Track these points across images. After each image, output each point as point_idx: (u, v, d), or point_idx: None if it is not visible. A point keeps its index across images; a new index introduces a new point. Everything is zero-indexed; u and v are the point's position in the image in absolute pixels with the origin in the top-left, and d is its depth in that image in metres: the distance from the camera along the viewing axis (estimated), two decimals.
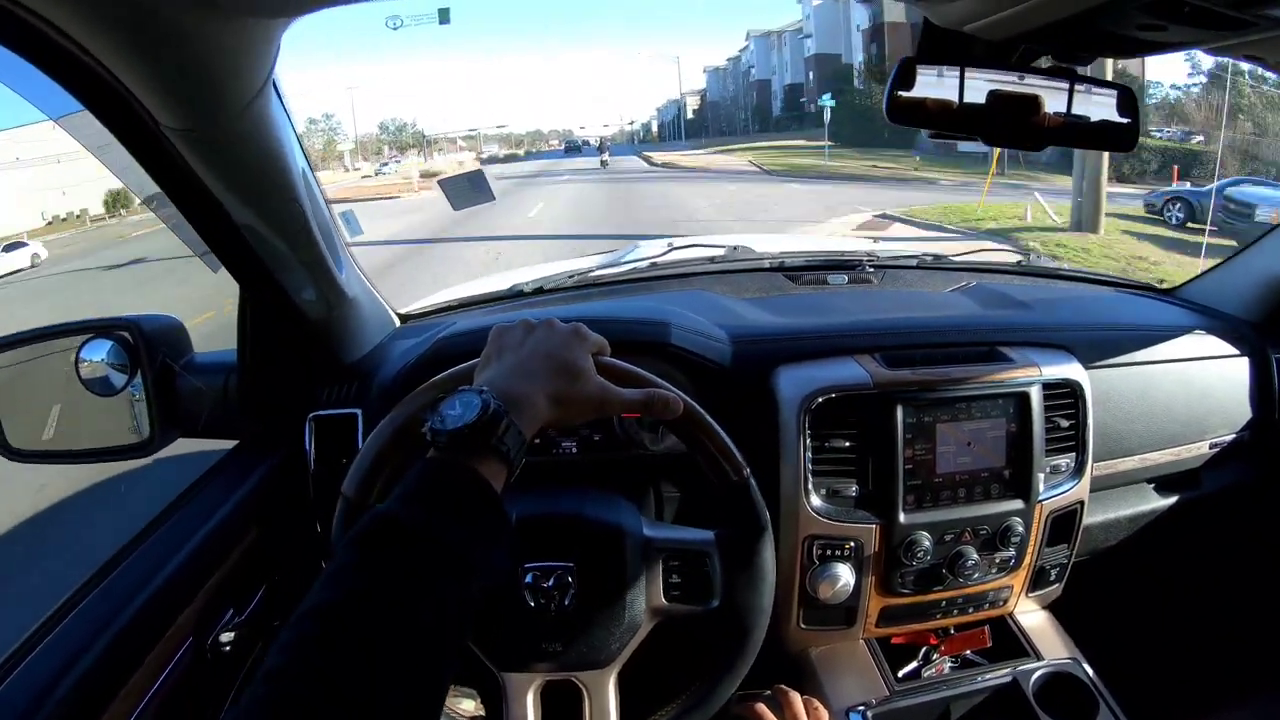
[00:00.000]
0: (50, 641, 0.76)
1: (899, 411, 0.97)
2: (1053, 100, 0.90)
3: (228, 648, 0.92)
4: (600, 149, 41.68)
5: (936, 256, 1.34)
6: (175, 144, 0.76)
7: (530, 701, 0.86)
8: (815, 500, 0.98)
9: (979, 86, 0.89)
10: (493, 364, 0.67)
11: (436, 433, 0.58)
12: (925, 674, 1.08)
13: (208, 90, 0.72)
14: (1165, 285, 1.38)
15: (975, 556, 1.03)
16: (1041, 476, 1.05)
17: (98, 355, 0.99)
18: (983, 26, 0.84)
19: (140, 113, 0.73)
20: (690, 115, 77.66)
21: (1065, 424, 1.07)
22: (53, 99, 0.78)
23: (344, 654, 0.46)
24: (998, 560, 1.05)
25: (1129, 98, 0.91)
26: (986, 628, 1.13)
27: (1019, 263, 1.39)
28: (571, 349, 0.67)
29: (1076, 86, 0.90)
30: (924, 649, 1.10)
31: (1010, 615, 1.14)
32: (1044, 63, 0.92)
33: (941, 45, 0.89)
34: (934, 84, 0.89)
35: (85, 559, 0.91)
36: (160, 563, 0.86)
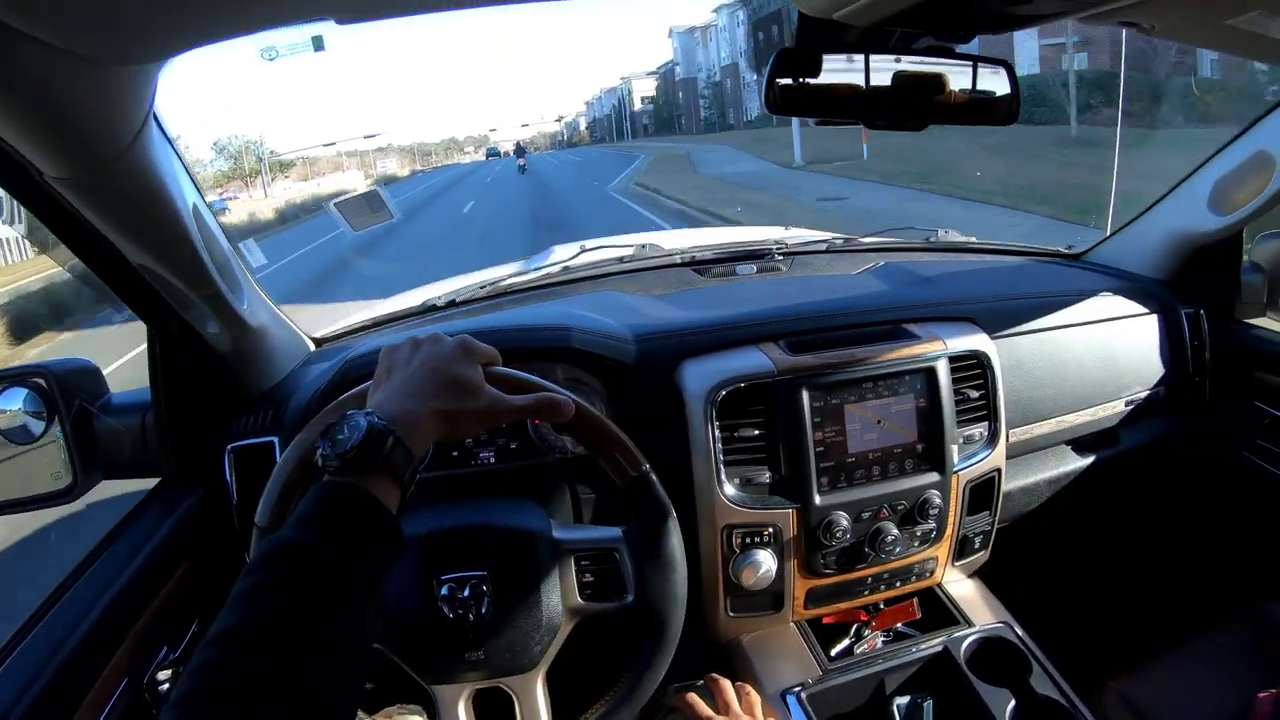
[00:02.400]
0: None
1: (804, 396, 1.00)
2: (954, 79, 0.93)
3: (165, 686, 0.93)
4: (518, 153, 39.74)
5: (846, 239, 1.36)
6: (60, 191, 0.77)
7: (462, 711, 0.88)
8: (730, 489, 1.00)
9: (857, 72, 0.92)
10: (383, 384, 0.68)
11: (326, 458, 0.59)
12: (858, 651, 1.10)
13: (85, 138, 0.73)
14: (1073, 251, 1.42)
15: (895, 531, 1.05)
16: (955, 448, 1.08)
17: (14, 404, 0.99)
18: (852, 12, 0.87)
19: (21, 163, 0.73)
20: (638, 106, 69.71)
21: (976, 394, 1.10)
22: None
23: (246, 676, 0.47)
24: (919, 533, 1.08)
25: (1010, 71, 0.94)
26: (915, 600, 1.15)
27: (926, 239, 1.42)
28: (457, 363, 0.68)
29: (958, 66, 0.93)
30: (855, 626, 1.13)
31: (938, 586, 1.17)
32: (924, 44, 0.95)
33: (818, 33, 0.92)
34: (831, 70, 0.92)
35: (11, 608, 0.92)
36: (88, 607, 0.87)
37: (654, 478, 0.81)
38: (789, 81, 0.90)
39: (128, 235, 0.84)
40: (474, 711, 0.88)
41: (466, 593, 0.83)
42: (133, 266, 0.87)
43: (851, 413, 1.02)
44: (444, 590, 0.83)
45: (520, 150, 42.77)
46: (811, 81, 0.90)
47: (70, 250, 0.87)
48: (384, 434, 0.60)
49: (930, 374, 1.05)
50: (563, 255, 1.42)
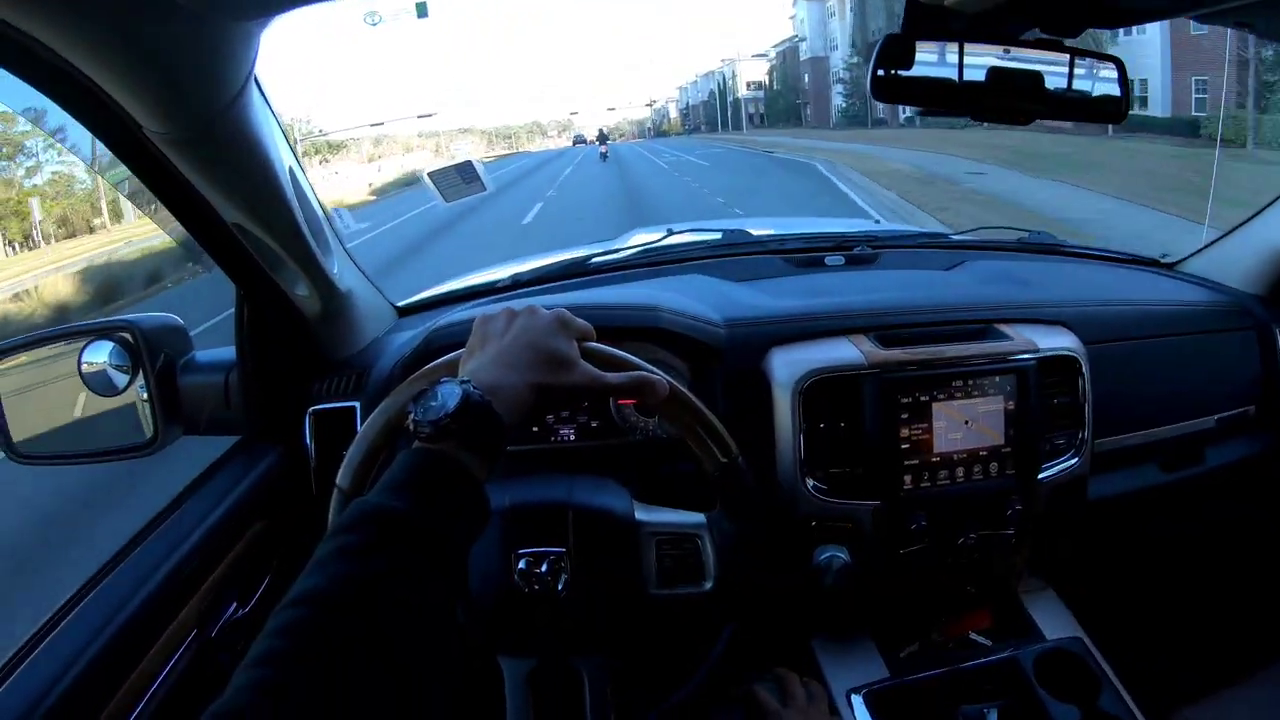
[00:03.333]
0: (56, 636, 0.78)
1: (893, 391, 0.97)
2: (1051, 78, 0.90)
3: (230, 640, 0.94)
4: (600, 140, 39.29)
5: (936, 235, 1.33)
6: (160, 148, 0.77)
7: (525, 685, 0.87)
8: (812, 481, 0.98)
9: (969, 61, 0.89)
10: (476, 354, 0.68)
11: (419, 423, 0.58)
12: (926, 655, 1.08)
13: (188, 94, 0.73)
14: (1168, 260, 1.37)
15: (975, 535, 1.02)
16: (1041, 453, 1.04)
17: (99, 357, 1.00)
18: (965, 0, 0.84)
19: (124, 119, 0.73)
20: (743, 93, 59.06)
21: (1065, 400, 1.06)
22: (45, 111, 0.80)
23: (332, 637, 0.46)
24: (998, 538, 1.05)
25: (1121, 70, 0.91)
26: (988, 607, 1.12)
27: (1020, 240, 1.38)
28: (554, 336, 0.67)
29: (1066, 60, 0.90)
30: (925, 629, 1.10)
31: (1012, 594, 1.13)
32: (1032, 36, 0.92)
33: (927, 20, 0.89)
34: (924, 60, 0.89)
35: (93, 555, 0.93)
36: (164, 557, 0.88)
37: (744, 465, 0.79)
38: (894, 70, 0.88)
39: (224, 193, 0.84)
40: (541, 686, 0.88)
41: (544, 568, 0.82)
42: (227, 226, 0.87)
43: (939, 411, 0.99)
44: (521, 564, 0.82)
45: (603, 137, 42.00)
46: (925, 73, 0.88)
47: (166, 207, 0.88)
48: (480, 404, 0.59)
49: (1021, 376, 1.02)
50: (647, 237, 1.41)
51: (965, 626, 1.10)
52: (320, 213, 0.94)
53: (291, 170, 0.87)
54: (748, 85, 59.75)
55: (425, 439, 0.58)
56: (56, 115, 0.80)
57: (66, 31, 0.62)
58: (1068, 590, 1.16)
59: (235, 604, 0.94)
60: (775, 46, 56.06)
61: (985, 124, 1.01)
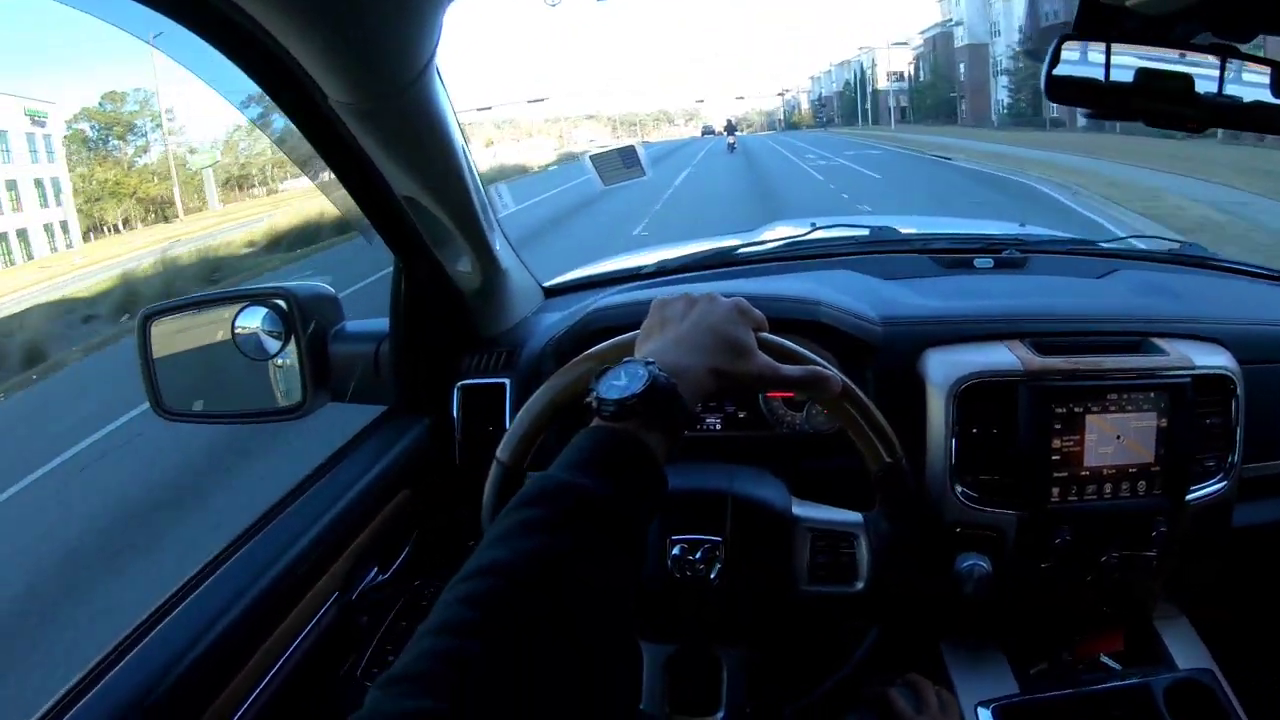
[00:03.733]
0: (203, 591, 0.80)
1: (1048, 400, 0.94)
2: (1209, 80, 0.86)
3: (370, 604, 0.96)
4: (729, 131, 37.06)
5: (1085, 241, 1.30)
6: (343, 118, 0.79)
7: (664, 670, 0.87)
8: (961, 487, 0.96)
9: (1137, 64, 0.86)
10: (655, 336, 0.67)
11: (603, 401, 0.58)
12: (1055, 673, 1.05)
13: (378, 66, 0.74)
14: None
15: (1117, 554, 0.99)
16: (1190, 474, 1.00)
17: (253, 322, 1.03)
18: (1144, 1, 0.81)
19: (309, 87, 0.75)
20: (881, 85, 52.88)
21: (1216, 421, 1.02)
22: (220, 73, 0.82)
23: (518, 610, 0.46)
24: (1140, 560, 1.01)
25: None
26: (1120, 630, 1.09)
27: (1170, 251, 1.33)
28: (735, 324, 0.67)
29: (1229, 64, 0.86)
30: (1056, 647, 1.07)
31: (1147, 618, 1.10)
32: (1204, 40, 0.88)
33: (1101, 19, 0.86)
34: (1095, 61, 0.86)
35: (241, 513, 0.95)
36: (311, 521, 0.90)
37: (907, 467, 0.78)
38: (1062, 71, 0.86)
39: (400, 166, 0.85)
40: (680, 672, 0.88)
41: (698, 555, 0.82)
42: (397, 199, 0.89)
43: (1092, 424, 0.96)
44: (675, 550, 0.82)
45: (731, 128, 40.30)
46: (1076, 72, 0.86)
47: (338, 178, 0.90)
48: (666, 386, 0.59)
49: (1176, 393, 0.98)
50: (792, 230, 1.40)
51: (1097, 648, 1.07)
52: (482, 190, 0.95)
53: (463, 149, 0.89)
54: (888, 76, 53.48)
55: (608, 418, 0.58)
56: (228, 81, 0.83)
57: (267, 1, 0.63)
58: (1202, 619, 1.12)
59: (375, 569, 0.96)
60: (924, 32, 48.88)
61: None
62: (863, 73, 56.79)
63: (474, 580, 0.47)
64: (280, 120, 0.88)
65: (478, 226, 0.91)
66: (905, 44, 51.74)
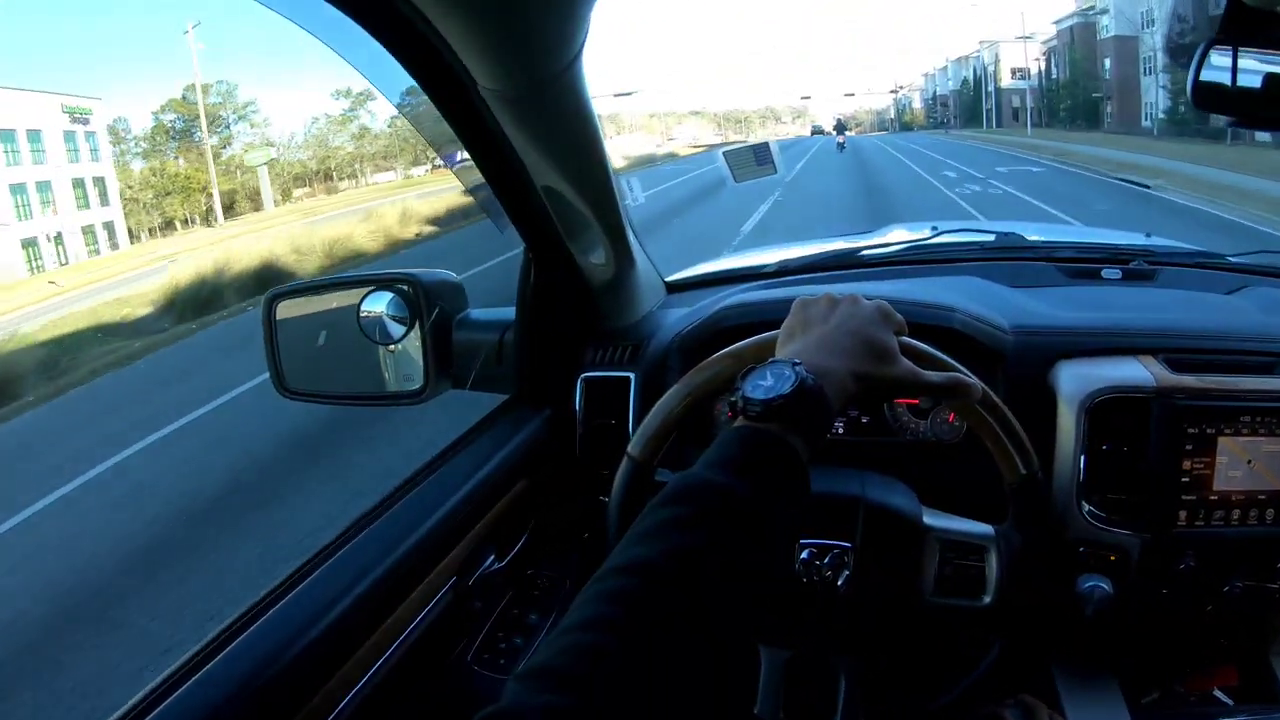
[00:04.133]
0: (325, 570, 0.82)
1: (1181, 419, 0.92)
2: None
3: (485, 589, 0.97)
4: (839, 130, 36.38)
5: (1214, 255, 1.27)
6: (489, 104, 0.80)
7: (782, 675, 0.87)
8: (1088, 505, 0.94)
9: (1248, 72, 0.84)
10: (798, 337, 0.68)
11: (750, 402, 0.58)
12: (1167, 704, 1.02)
13: (530, 54, 0.75)
14: None
15: (1240, 584, 0.96)
16: None
17: (378, 306, 1.06)
18: None
19: (460, 75, 0.77)
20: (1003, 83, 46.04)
21: None
22: (364, 56, 0.84)
23: (659, 609, 0.46)
24: (1263, 591, 0.98)
25: None
26: (1236, 665, 1.06)
27: None
28: (876, 327, 0.67)
29: None
30: (1169, 677, 1.04)
31: (1264, 654, 1.06)
32: None
33: (1249, 25, 0.84)
34: (1246, 69, 0.85)
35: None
36: (433, 507, 0.92)
37: (1043, 480, 0.77)
38: (1214, 78, 0.84)
39: (544, 155, 0.86)
40: (798, 678, 0.87)
41: (826, 560, 0.81)
42: (535, 188, 0.90)
43: (1224, 446, 0.94)
44: (804, 554, 0.82)
45: (840, 127, 39.47)
46: (1210, 78, 0.84)
47: (478, 166, 0.92)
48: (813, 388, 0.59)
49: None
50: (912, 234, 1.39)
51: (1211, 682, 1.04)
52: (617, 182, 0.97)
53: (603, 139, 0.90)
54: (1012, 73, 47.05)
55: (754, 418, 0.58)
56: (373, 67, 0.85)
57: None
58: None
59: (493, 557, 0.97)
60: (1058, 22, 41.39)
61: None
62: (984, 69, 50.05)
63: (614, 578, 0.48)
64: (423, 107, 0.90)
65: (616, 217, 0.93)
66: (1030, 38, 44.64)
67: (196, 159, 24.55)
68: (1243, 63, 0.84)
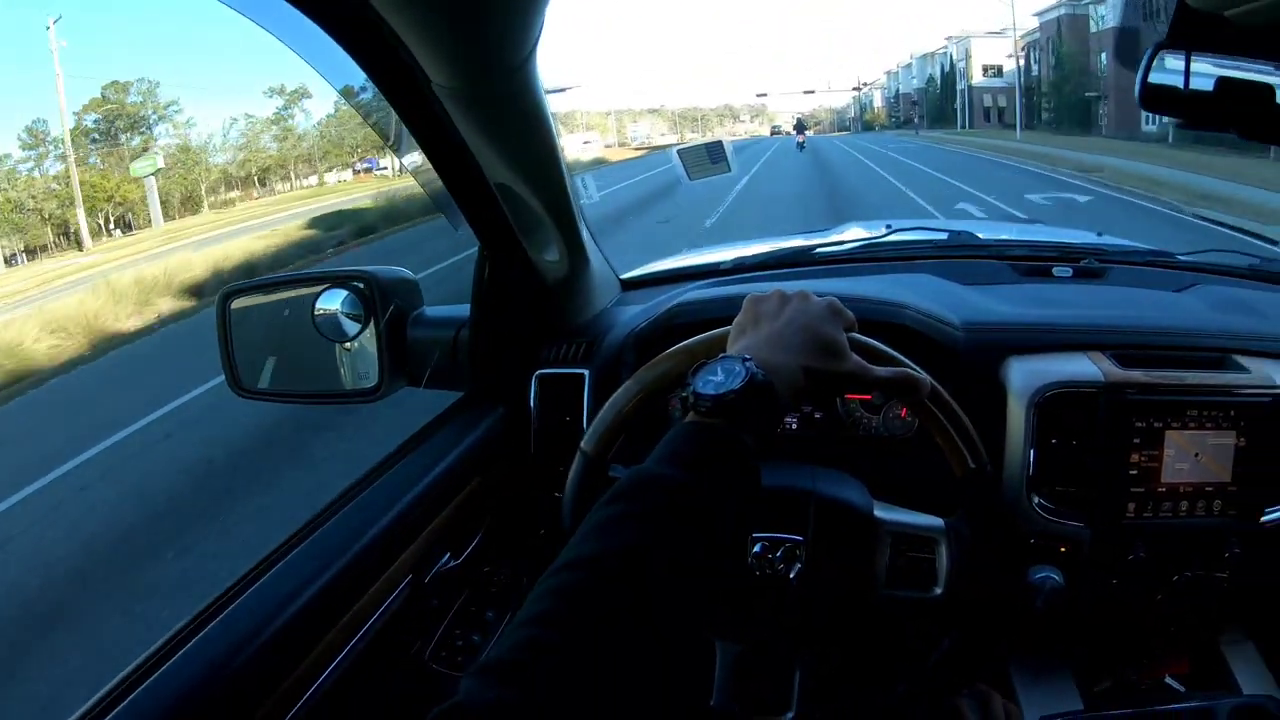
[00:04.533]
0: (282, 567, 0.81)
1: (1129, 413, 0.94)
2: None
3: (441, 587, 0.96)
4: (799, 129, 35.27)
5: (1165, 254, 1.29)
6: (442, 101, 0.80)
7: (737, 668, 0.87)
8: (1038, 498, 0.95)
9: (1240, 76, 0.85)
10: (749, 332, 0.68)
11: (700, 397, 0.58)
12: (1120, 692, 1.04)
13: (484, 50, 0.75)
14: None
15: (1189, 574, 0.98)
16: (1267, 496, 0.99)
17: (333, 304, 1.05)
18: (1245, 12, 0.81)
19: (414, 71, 0.76)
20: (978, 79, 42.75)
21: None
22: (317, 52, 0.83)
23: (605, 603, 0.47)
24: (1211, 580, 1.00)
25: None
26: (1186, 652, 1.08)
27: (1252, 266, 1.32)
28: (827, 323, 0.67)
29: None
30: (1121, 666, 1.06)
31: (1214, 641, 1.08)
32: None
33: (1198, 29, 0.86)
34: (1194, 71, 0.86)
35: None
36: (388, 504, 0.91)
37: (993, 474, 0.78)
38: (1162, 80, 0.85)
39: (499, 152, 0.86)
40: (753, 670, 0.87)
41: (778, 554, 0.82)
42: (490, 185, 0.90)
43: (1171, 439, 0.95)
44: (756, 548, 0.82)
45: (800, 126, 38.83)
46: (1161, 81, 0.85)
47: (431, 163, 0.91)
48: (763, 383, 0.59)
49: (1256, 412, 0.97)
50: (866, 232, 1.40)
51: (1162, 669, 1.06)
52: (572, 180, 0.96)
53: (557, 137, 0.90)
54: (984, 70, 42.70)
55: (704, 413, 0.58)
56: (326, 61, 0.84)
57: None
58: (1269, 645, 1.10)
59: (449, 555, 0.96)
60: (1041, 14, 36.96)
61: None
62: (954, 65, 45.31)
63: (564, 574, 0.48)
64: (377, 103, 0.89)
65: (570, 215, 0.92)
66: (1002, 33, 40.45)
67: (118, 163, 22.66)
68: (1195, 66, 0.86)
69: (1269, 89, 0.86)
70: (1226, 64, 0.87)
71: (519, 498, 1.04)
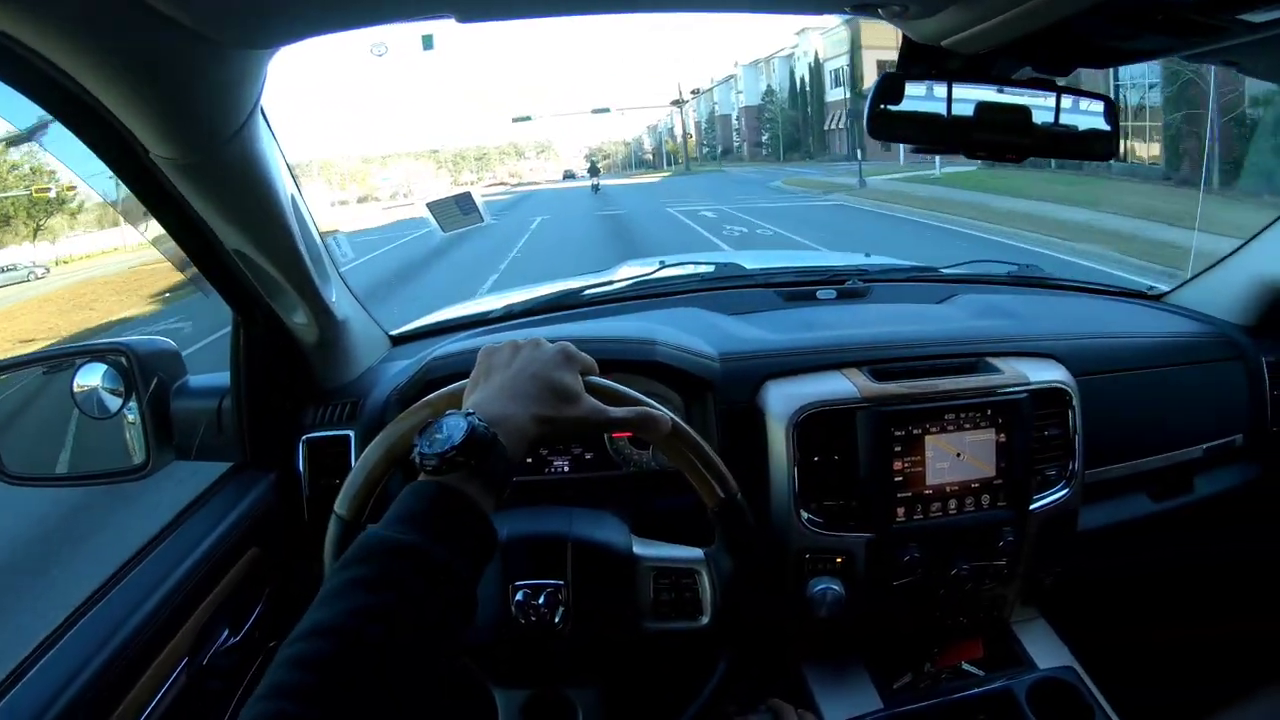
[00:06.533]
0: (48, 660, 0.77)
1: (886, 424, 0.98)
2: (1038, 113, 0.91)
3: (222, 668, 0.93)
4: (593, 172, 35.04)
5: (927, 269, 1.35)
6: (164, 171, 0.77)
7: (520, 716, 0.87)
8: (806, 514, 0.98)
9: (960, 97, 0.90)
10: (481, 385, 0.68)
11: (424, 455, 0.58)
12: (919, 685, 1.08)
13: (196, 120, 0.73)
14: (1155, 292, 1.39)
15: (967, 566, 1.03)
16: (1033, 484, 1.05)
17: (92, 379, 1.00)
18: (960, 40, 0.85)
19: (129, 141, 0.74)
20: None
21: (1055, 432, 1.08)
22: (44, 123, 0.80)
23: (346, 670, 0.47)
24: (990, 569, 1.05)
25: (1110, 107, 0.92)
26: (980, 637, 1.13)
27: (1009, 273, 1.40)
28: (559, 369, 0.68)
29: (1061, 98, 0.91)
30: (918, 660, 1.11)
31: (1005, 624, 1.14)
32: (1024, 75, 0.93)
33: (921, 60, 0.91)
34: (917, 99, 0.90)
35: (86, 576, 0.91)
36: (157, 583, 0.87)
37: (743, 503, 0.80)
38: (892, 107, 0.89)
39: (226, 219, 0.84)
40: (535, 717, 0.87)
41: (542, 600, 0.82)
42: (227, 252, 0.87)
43: (932, 444, 1.00)
44: (519, 596, 0.82)
45: (594, 169, 38.11)
46: (915, 108, 0.90)
47: (166, 231, 0.88)
48: (485, 436, 0.59)
49: (1011, 408, 1.03)
50: (640, 270, 1.41)
51: (958, 657, 1.10)
52: (319, 241, 0.94)
53: (294, 199, 0.88)
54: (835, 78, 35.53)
55: (431, 471, 0.59)
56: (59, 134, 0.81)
57: (76, 51, 0.62)
58: (1060, 620, 1.16)
59: (227, 631, 0.93)
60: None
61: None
62: (819, 65, 36.95)
63: (305, 642, 0.48)
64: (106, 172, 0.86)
65: (308, 278, 0.90)
66: (712, 88, 38.16)
67: None
68: (914, 92, 0.90)
69: (1025, 110, 0.92)
70: (963, 88, 0.93)
71: (300, 567, 1.02)
